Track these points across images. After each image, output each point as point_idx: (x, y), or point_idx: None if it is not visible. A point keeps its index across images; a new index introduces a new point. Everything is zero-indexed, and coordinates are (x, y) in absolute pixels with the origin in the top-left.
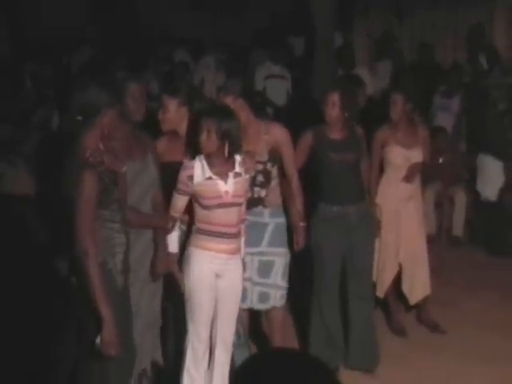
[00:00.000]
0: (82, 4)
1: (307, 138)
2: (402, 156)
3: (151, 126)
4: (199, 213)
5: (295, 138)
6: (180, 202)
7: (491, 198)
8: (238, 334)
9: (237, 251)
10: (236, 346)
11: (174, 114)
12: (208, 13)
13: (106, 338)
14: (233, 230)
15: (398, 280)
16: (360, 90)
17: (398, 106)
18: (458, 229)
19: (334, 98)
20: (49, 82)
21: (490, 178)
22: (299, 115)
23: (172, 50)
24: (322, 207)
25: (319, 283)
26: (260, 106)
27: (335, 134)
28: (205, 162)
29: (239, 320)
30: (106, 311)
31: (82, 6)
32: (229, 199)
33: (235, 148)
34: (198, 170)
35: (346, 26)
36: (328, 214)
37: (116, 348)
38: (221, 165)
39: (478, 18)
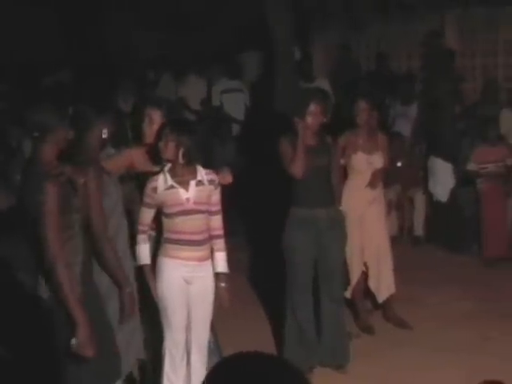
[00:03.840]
0: (53, 29)
1: (287, 145)
2: (364, 161)
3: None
4: (165, 222)
5: (257, 149)
6: (147, 214)
7: (442, 198)
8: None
9: (205, 258)
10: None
11: (159, 125)
12: (172, 31)
13: (82, 340)
14: (198, 237)
15: (363, 280)
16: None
17: (364, 112)
18: (419, 229)
19: (316, 108)
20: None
21: (441, 179)
22: (260, 128)
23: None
24: (294, 211)
25: (292, 285)
26: (218, 121)
27: (307, 141)
28: (168, 173)
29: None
30: (78, 314)
31: (53, 31)
32: (190, 206)
33: (190, 156)
34: (161, 181)
35: (304, 39)
36: (299, 218)
37: (92, 349)
38: (182, 174)
39: (430, 27)
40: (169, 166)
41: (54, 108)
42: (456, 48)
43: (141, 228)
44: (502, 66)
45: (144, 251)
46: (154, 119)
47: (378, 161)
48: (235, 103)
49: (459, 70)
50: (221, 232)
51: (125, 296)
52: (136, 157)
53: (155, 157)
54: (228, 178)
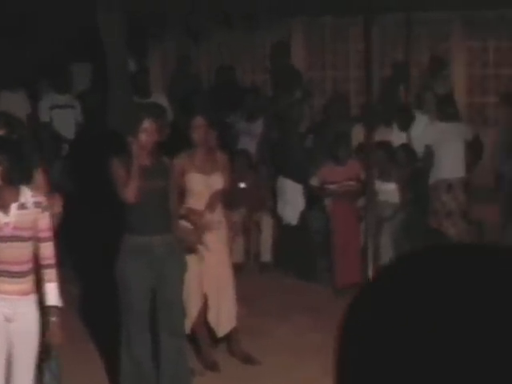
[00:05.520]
0: None
1: (119, 167)
2: (202, 183)
3: None
4: None
5: (87, 171)
6: None
7: (292, 221)
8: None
9: (28, 292)
10: None
11: None
12: None
13: None
14: (20, 268)
15: (205, 312)
16: (165, 117)
17: (201, 130)
18: (266, 254)
19: (151, 125)
20: None
21: (290, 201)
22: (92, 147)
23: None
24: (128, 238)
25: (127, 319)
26: (45, 139)
27: (142, 161)
28: None
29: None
30: None
31: None
32: (9, 232)
33: (11, 176)
34: None
35: (140, 50)
36: (134, 246)
37: None
38: (2, 196)
39: (276, 37)
40: None
41: None
42: (304, 59)
43: None
44: (354, 79)
45: None
46: None
47: (217, 182)
48: (65, 120)
49: (307, 83)
50: (52, 261)
51: None
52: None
53: None
54: (57, 208)
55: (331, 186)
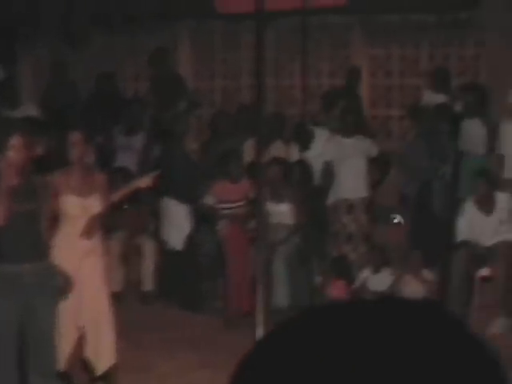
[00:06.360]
0: None
1: None
2: (78, 206)
3: None
4: None
5: None
6: None
7: (177, 246)
8: None
9: None
10: None
11: None
12: None
13: None
14: None
15: (81, 348)
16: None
17: (77, 146)
18: (148, 283)
19: (19, 141)
20: None
21: (176, 223)
22: None
23: None
24: None
25: None
26: None
27: (10, 181)
28: None
29: None
30: None
31: None
32: None
33: None
34: None
35: (7, 55)
36: (1, 275)
37: None
38: None
39: (161, 43)
40: None
41: None
42: (191, 67)
43: None
44: (247, 88)
45: None
46: None
47: (94, 205)
48: None
49: (193, 93)
50: None
51: None
52: None
53: None
54: None
55: (226, 206)
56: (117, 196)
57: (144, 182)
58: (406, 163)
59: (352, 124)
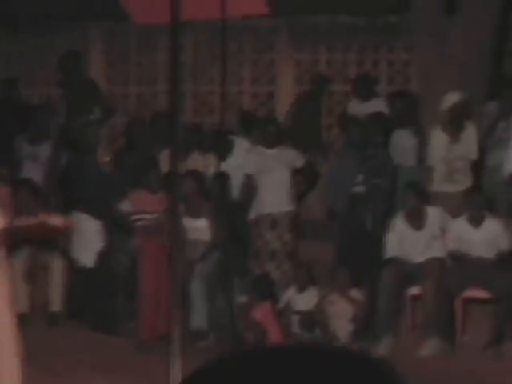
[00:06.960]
0: None
1: None
2: None
3: None
4: None
5: None
6: None
7: (88, 264)
8: None
9: None
10: None
11: None
12: None
13: None
14: None
15: None
16: None
17: None
18: (56, 303)
19: None
20: None
21: (86, 239)
22: None
23: None
24: None
25: None
26: None
27: None
28: None
29: None
30: None
31: None
32: None
33: None
34: None
35: None
36: None
37: None
38: None
39: (71, 45)
40: None
41: None
42: (103, 72)
43: None
44: (164, 94)
45: None
46: None
47: None
48: None
49: (107, 99)
50: None
51: None
52: None
53: None
54: None
55: (142, 216)
56: (21, 225)
57: (56, 222)
58: (334, 174)
59: (274, 134)
